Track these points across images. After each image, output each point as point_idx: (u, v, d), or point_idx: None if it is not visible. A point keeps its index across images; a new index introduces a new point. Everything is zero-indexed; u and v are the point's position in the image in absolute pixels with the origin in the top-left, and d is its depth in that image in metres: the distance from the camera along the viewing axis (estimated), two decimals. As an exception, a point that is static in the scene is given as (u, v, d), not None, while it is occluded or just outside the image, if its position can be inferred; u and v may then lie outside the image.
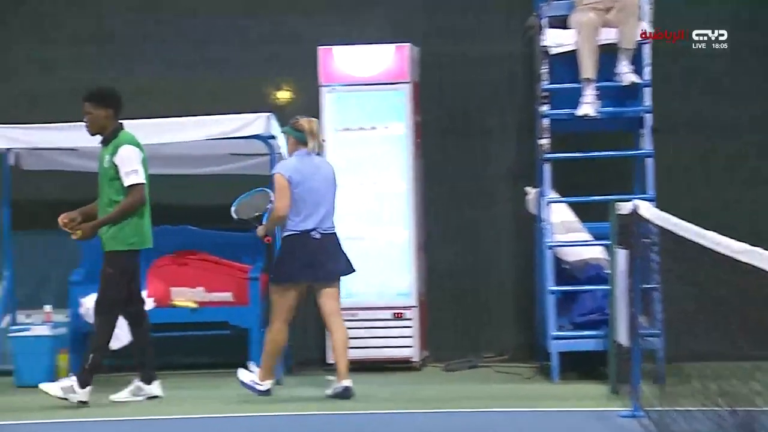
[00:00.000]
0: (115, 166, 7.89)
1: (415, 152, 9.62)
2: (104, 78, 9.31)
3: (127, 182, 7.91)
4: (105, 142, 7.99)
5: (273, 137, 8.91)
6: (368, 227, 9.51)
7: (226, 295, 9.24)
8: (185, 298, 9.21)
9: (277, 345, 8.20)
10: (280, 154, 9.12)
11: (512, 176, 10.00)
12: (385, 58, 9.56)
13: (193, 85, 10.01)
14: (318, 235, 8.07)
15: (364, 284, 9.39)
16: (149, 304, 8.95)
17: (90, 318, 8.83)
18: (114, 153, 7.90)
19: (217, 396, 8.52)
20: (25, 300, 9.61)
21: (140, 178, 7.92)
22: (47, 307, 9.32)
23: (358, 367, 9.02)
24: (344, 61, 9.58)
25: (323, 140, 8.42)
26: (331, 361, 8.90)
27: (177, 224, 9.00)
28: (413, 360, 9.50)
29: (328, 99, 9.55)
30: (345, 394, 8.14)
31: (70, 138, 8.81)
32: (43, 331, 9.11)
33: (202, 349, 9.42)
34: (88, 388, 7.88)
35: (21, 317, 9.62)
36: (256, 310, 9.12)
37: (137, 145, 8.00)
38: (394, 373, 9.36)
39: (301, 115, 8.39)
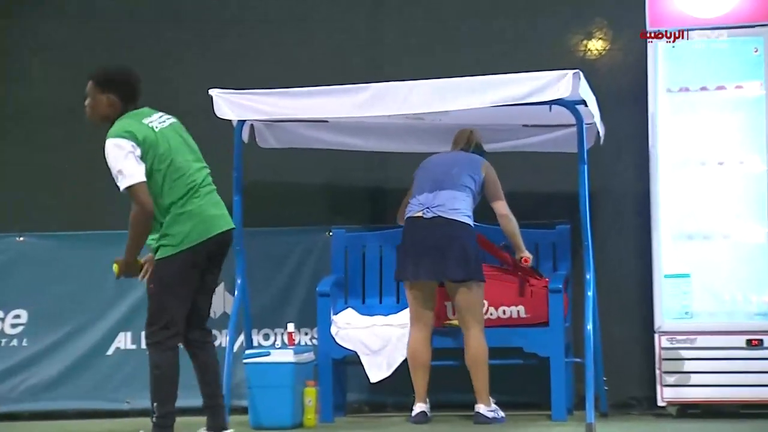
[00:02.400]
0: None
1: (777, 121, 8.32)
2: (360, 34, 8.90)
3: (121, 187, 6.71)
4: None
5: (582, 102, 7.71)
6: (713, 222, 8.31)
7: (517, 310, 8.21)
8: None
9: (410, 357, 7.91)
10: (591, 124, 8.12)
11: None
12: (736, -7, 8.38)
13: (469, 33, 9.08)
14: (430, 214, 7.80)
15: (708, 300, 8.26)
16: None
17: (344, 341, 8.28)
18: None
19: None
20: (263, 316, 8.91)
21: (129, 178, 6.64)
22: (290, 326, 8.40)
23: (701, 411, 8.21)
24: (681, -1, 8.44)
25: (477, 143, 8.16)
26: (663, 404, 8.07)
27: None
28: (777, 404, 8.22)
29: (658, 50, 8.34)
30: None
31: (323, 106, 7.91)
32: (286, 356, 8.06)
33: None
34: None
35: (257, 339, 8.98)
36: (559, 333, 8.11)
37: (124, 132, 6.70)
38: (752, 420, 8.09)
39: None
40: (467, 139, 8.08)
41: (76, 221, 9.15)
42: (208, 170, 6.93)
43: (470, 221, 7.83)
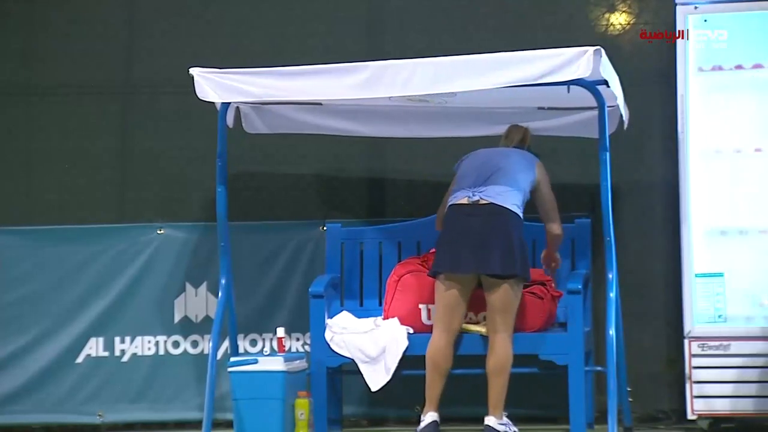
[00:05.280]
0: None
1: (825, 103, 8.17)
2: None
3: None
4: None
5: (604, 82, 7.61)
6: (749, 217, 8.19)
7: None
8: (472, 320, 8.08)
9: (429, 360, 7.79)
10: (613, 107, 8.06)
11: None
12: (782, -43, 8.19)
13: (480, 5, 9.02)
14: (476, 197, 7.76)
15: (743, 302, 8.15)
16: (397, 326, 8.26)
17: (340, 347, 8.15)
18: None
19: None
20: (249, 320, 8.86)
21: None
22: (280, 331, 8.33)
23: (736, 426, 8.16)
24: (715, -37, 8.28)
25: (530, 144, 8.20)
26: (693, 417, 8.03)
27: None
28: (822, 421, 8.02)
29: (689, 24, 8.25)
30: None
31: (317, 87, 7.85)
32: (275, 364, 8.02)
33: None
34: None
35: (243, 345, 8.92)
36: (578, 339, 7.95)
37: None
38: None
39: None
40: (522, 136, 8.06)
41: (40, 215, 9.07)
42: None
43: (520, 213, 7.73)
